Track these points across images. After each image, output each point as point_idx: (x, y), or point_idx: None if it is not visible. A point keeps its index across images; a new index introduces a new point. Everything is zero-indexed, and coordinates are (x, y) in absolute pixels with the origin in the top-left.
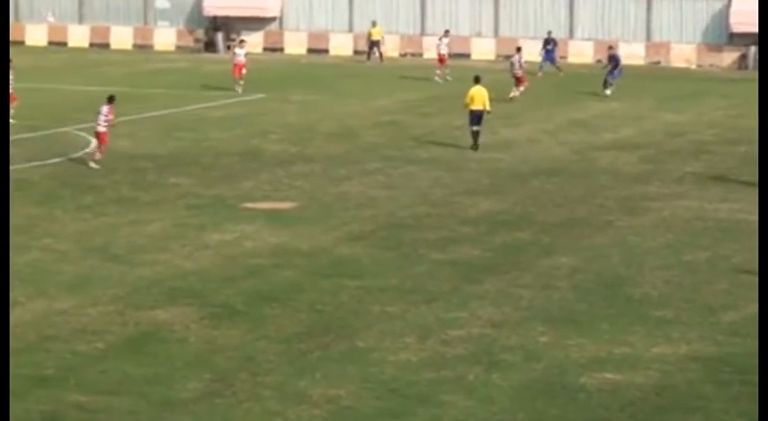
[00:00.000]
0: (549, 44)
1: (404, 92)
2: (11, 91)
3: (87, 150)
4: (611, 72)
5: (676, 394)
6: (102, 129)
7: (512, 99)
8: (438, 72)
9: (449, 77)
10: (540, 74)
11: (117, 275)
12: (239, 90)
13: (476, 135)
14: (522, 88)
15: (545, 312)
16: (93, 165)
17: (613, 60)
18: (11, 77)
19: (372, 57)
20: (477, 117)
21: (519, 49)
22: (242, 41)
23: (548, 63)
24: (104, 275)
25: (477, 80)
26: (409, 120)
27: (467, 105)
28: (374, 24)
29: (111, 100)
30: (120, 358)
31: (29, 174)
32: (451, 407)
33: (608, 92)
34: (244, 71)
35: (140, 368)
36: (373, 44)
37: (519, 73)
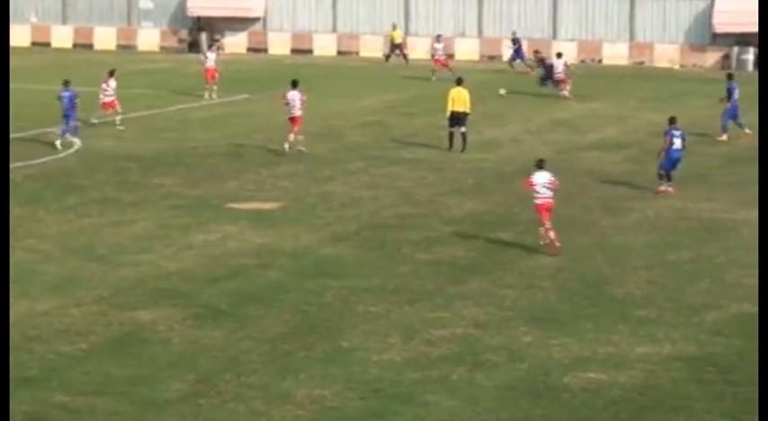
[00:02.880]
0: (515, 44)
1: (388, 92)
2: (113, 99)
3: (71, 151)
4: (548, 77)
5: (660, 393)
6: (298, 113)
7: (563, 97)
8: (437, 72)
9: (434, 78)
10: (512, 69)
11: (100, 276)
12: (206, 95)
13: (452, 136)
14: (567, 88)
15: (529, 312)
16: (301, 148)
17: (542, 65)
18: (113, 85)
19: (395, 58)
20: (457, 119)
21: (560, 55)
22: (213, 43)
23: (517, 61)
24: (87, 276)
25: (459, 82)
26: (393, 121)
27: (449, 107)
28: (395, 27)
29: (295, 85)
30: (104, 359)
31: (12, 175)
32: (435, 407)
33: (565, 92)
34: (216, 76)
35: (124, 368)
36: (395, 46)
37: (560, 76)
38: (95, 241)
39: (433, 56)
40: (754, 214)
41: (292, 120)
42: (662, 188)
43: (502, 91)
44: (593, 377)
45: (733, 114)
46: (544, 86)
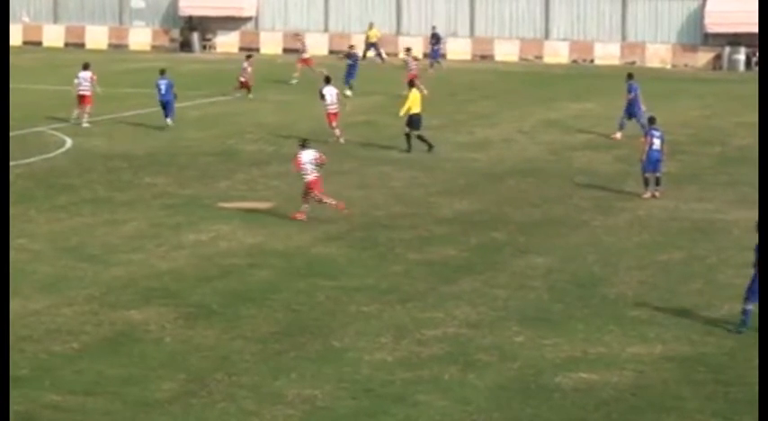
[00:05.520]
0: (434, 39)
1: (378, 92)
2: (90, 93)
3: (61, 150)
4: (349, 73)
5: (651, 394)
6: (335, 109)
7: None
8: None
9: (294, 81)
10: (430, 70)
11: (92, 275)
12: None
13: (409, 138)
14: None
15: (520, 312)
16: (341, 140)
17: (351, 58)
18: (86, 76)
19: (369, 57)
20: (417, 120)
21: (409, 50)
22: (249, 57)
23: (438, 58)
24: (79, 275)
25: (411, 84)
26: (383, 121)
27: (409, 110)
28: (371, 26)
29: (328, 81)
30: (95, 358)
31: None
32: (427, 406)
33: (348, 93)
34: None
35: (115, 368)
36: (371, 45)
37: (413, 72)
38: (87, 240)
39: (303, 59)
40: (745, 214)
41: (332, 115)
42: (646, 195)
43: (294, 81)
44: (584, 377)
45: (632, 112)
46: (347, 85)
